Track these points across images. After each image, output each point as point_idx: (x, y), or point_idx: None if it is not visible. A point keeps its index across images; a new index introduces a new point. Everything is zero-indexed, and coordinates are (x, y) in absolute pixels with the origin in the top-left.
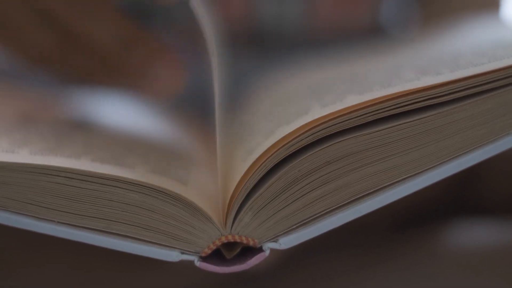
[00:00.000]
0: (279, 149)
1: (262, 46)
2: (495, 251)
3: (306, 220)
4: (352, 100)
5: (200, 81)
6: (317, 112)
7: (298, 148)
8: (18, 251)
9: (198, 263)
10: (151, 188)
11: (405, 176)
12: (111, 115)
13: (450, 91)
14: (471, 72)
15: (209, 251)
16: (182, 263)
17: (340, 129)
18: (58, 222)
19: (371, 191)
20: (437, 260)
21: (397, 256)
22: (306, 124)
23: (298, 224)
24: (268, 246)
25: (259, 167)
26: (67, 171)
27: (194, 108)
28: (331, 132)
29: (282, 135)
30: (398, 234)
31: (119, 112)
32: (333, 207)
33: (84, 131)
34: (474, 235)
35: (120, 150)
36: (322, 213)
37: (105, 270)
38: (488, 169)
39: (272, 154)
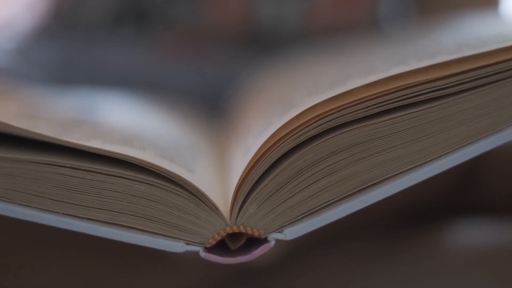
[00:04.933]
0: (285, 140)
1: (261, 45)
2: (495, 250)
3: (312, 211)
4: (355, 83)
5: (205, 77)
6: (320, 97)
7: (304, 140)
8: (20, 251)
9: (203, 254)
10: (159, 171)
11: (410, 166)
12: (117, 110)
13: (456, 83)
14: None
15: (214, 242)
16: (185, 259)
17: (346, 120)
18: (63, 213)
19: (377, 181)
20: (437, 258)
21: (396, 255)
22: (309, 112)
23: (304, 215)
24: (273, 236)
25: (265, 158)
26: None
27: (200, 102)
28: (337, 123)
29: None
30: (397, 233)
31: (125, 107)
32: (339, 198)
33: (91, 123)
34: (474, 235)
35: (129, 135)
36: (328, 203)
37: (107, 269)
38: (488, 169)
39: (278, 145)
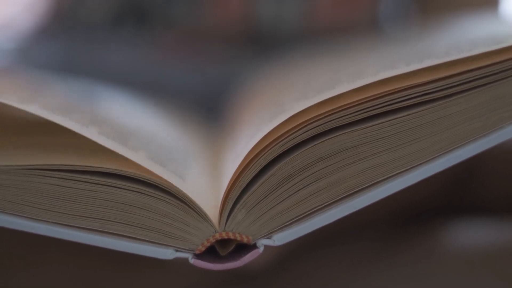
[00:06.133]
0: (272, 146)
1: (261, 45)
2: (494, 250)
3: (300, 217)
4: (343, 88)
5: (205, 77)
6: (308, 102)
7: (291, 146)
8: (20, 251)
9: (192, 261)
10: (150, 176)
11: (399, 171)
12: (115, 104)
13: (444, 87)
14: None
15: (203, 249)
16: (180, 262)
17: (334, 126)
18: (53, 222)
19: (365, 186)
20: (435, 258)
21: (396, 255)
22: (296, 117)
23: (292, 221)
24: (262, 243)
25: (252, 164)
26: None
27: (200, 102)
28: (325, 129)
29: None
30: (396, 233)
31: (123, 103)
32: (327, 203)
33: (90, 110)
34: (472, 235)
35: (124, 131)
36: (316, 209)
37: (107, 270)
38: (487, 169)
39: (265, 151)
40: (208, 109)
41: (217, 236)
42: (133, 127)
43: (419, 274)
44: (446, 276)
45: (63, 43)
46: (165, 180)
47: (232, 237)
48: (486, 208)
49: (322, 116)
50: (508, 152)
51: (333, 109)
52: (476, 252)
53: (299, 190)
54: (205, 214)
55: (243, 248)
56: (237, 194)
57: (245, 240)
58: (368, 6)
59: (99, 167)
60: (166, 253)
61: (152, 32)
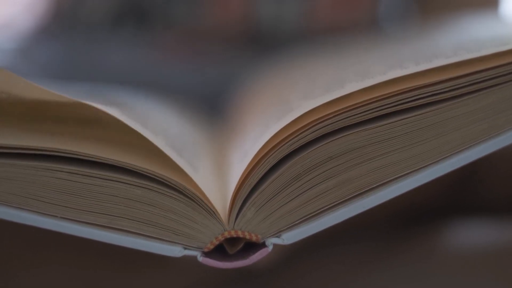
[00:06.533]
0: (282, 145)
1: (261, 45)
2: (495, 250)
3: (309, 216)
4: (352, 87)
5: (205, 77)
6: (316, 101)
7: (301, 145)
8: (20, 251)
9: (200, 259)
10: (157, 177)
11: (407, 171)
12: (126, 97)
13: (453, 87)
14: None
15: (212, 247)
16: (185, 260)
17: (343, 125)
18: (61, 217)
19: (374, 186)
20: (437, 259)
21: (396, 255)
22: (305, 117)
23: (301, 220)
24: (271, 241)
25: (262, 163)
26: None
27: (200, 102)
28: (334, 128)
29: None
30: (397, 233)
31: (132, 98)
32: (336, 202)
33: (105, 98)
34: (472, 235)
35: (143, 114)
36: (325, 208)
37: (107, 270)
38: (488, 169)
39: (275, 150)
40: (210, 108)
41: (226, 235)
42: (148, 114)
43: (419, 274)
44: (447, 276)
45: (63, 43)
46: (172, 179)
47: (241, 236)
48: (486, 208)
49: (330, 116)
50: (508, 152)
51: (341, 109)
52: (476, 252)
53: (309, 189)
54: (213, 212)
55: (251, 246)
56: (247, 193)
57: (254, 238)
58: (368, 6)
59: (108, 159)
60: (175, 251)
61: (152, 32)
